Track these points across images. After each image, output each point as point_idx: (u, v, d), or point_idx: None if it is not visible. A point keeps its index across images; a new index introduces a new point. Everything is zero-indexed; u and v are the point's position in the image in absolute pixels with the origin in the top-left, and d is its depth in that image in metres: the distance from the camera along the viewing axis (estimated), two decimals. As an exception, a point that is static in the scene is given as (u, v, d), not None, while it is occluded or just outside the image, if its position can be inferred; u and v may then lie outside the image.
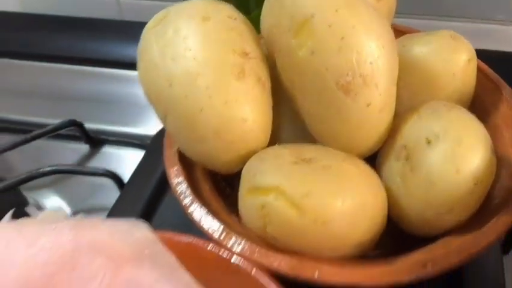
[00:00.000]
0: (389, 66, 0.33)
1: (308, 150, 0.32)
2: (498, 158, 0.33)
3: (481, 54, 0.39)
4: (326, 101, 0.32)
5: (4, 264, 0.28)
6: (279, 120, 0.37)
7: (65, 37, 0.70)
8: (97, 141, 0.58)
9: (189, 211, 0.32)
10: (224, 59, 0.32)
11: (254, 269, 0.26)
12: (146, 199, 0.47)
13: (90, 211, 0.52)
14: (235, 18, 0.34)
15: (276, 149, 0.33)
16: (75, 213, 0.52)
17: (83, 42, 0.69)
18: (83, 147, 0.58)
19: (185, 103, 0.32)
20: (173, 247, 0.29)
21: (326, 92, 0.32)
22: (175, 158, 0.36)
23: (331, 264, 0.28)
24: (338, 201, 0.29)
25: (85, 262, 0.29)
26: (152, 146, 0.52)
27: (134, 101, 0.62)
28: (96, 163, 0.57)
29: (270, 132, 0.34)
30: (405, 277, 0.28)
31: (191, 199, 0.33)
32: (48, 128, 0.56)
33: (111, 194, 0.51)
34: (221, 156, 0.33)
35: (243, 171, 0.32)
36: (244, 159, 0.33)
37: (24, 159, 0.56)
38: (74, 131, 0.57)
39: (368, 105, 0.32)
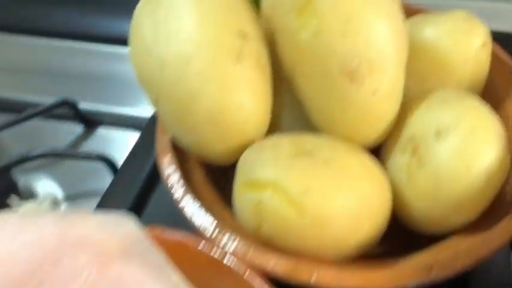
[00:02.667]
0: (399, 50, 0.30)
1: (309, 141, 0.30)
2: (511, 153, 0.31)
3: (498, 37, 0.36)
4: (329, 87, 0.30)
5: (-15, 258, 0.26)
6: (279, 107, 0.34)
7: (57, 11, 0.68)
8: (91, 121, 0.56)
9: (181, 205, 0.30)
10: (221, 40, 0.30)
11: (247, 271, 0.25)
12: (139, 186, 0.45)
13: (82, 196, 0.50)
14: (233, -4, 0.32)
15: (275, 138, 0.31)
16: (67, 197, 0.50)
17: (77, 16, 0.66)
18: (77, 128, 0.56)
19: (178, 89, 0.30)
20: (163, 244, 0.27)
21: (329, 78, 0.30)
22: (168, 146, 0.34)
23: (329, 267, 0.26)
24: (340, 199, 0.27)
25: (69, 259, 0.27)
26: (148, 129, 0.50)
27: (131, 81, 0.59)
28: (90, 145, 0.55)
29: (269, 120, 0.32)
30: (409, 282, 0.26)
31: (183, 191, 0.31)
32: (40, 108, 0.54)
33: (104, 179, 0.49)
34: (215, 147, 0.31)
35: (239, 163, 0.30)
36: (241, 150, 0.31)
37: (15, 140, 0.54)
38: (67, 110, 0.55)
39: (374, 92, 0.30)
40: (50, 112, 0.55)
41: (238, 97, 0.30)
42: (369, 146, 0.32)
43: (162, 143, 0.34)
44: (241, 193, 0.29)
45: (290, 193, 0.27)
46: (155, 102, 0.31)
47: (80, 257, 0.27)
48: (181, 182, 0.31)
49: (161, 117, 0.32)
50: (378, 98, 0.30)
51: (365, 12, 0.29)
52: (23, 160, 0.49)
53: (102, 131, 0.56)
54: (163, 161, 0.33)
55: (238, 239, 0.28)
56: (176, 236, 0.28)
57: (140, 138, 0.50)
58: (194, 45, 0.29)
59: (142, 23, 0.32)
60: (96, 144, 0.54)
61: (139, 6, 0.33)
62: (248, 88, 0.30)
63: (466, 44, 0.34)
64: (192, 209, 0.30)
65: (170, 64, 0.30)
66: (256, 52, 0.31)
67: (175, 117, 0.31)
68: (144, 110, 0.55)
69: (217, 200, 0.32)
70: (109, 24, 0.65)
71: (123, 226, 0.27)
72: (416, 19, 0.37)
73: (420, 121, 0.31)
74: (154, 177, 0.45)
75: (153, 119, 0.50)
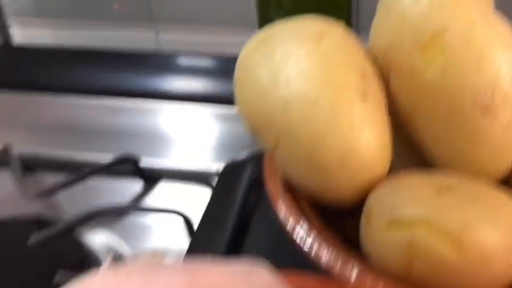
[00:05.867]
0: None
1: (441, 178, 0.29)
2: None
3: None
4: (458, 123, 0.29)
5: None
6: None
7: (112, 71, 0.67)
8: (153, 178, 0.54)
9: (319, 256, 0.28)
10: (346, 79, 0.29)
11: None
12: (224, 243, 0.43)
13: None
14: (348, 36, 0.32)
15: (405, 176, 0.29)
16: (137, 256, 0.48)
17: (130, 75, 0.66)
18: (138, 185, 0.54)
19: (305, 129, 0.29)
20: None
21: (459, 114, 0.29)
22: (282, 193, 0.32)
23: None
24: (501, 235, 0.25)
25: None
26: (220, 184, 0.48)
27: (186, 135, 0.59)
28: (153, 203, 0.53)
29: (391, 158, 0.31)
30: None
31: (317, 242, 0.29)
32: (101, 165, 0.53)
33: (176, 235, 0.47)
34: (343, 187, 0.29)
35: (372, 203, 0.29)
36: (367, 190, 0.30)
37: (75, 199, 0.52)
38: (129, 167, 0.54)
39: (508, 124, 0.29)
40: (111, 169, 0.53)
41: (366, 135, 0.29)
42: (498, 179, 0.31)
43: (275, 189, 0.32)
44: (385, 234, 0.27)
45: (448, 231, 0.25)
46: (274, 145, 0.30)
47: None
48: (313, 232, 0.29)
49: (279, 161, 0.31)
50: (511, 130, 0.29)
51: (496, 45, 0.28)
52: (88, 218, 0.47)
53: (165, 188, 0.54)
54: (284, 209, 0.31)
55: (382, 282, 0.26)
56: (316, 279, 0.26)
57: (214, 193, 0.48)
58: (320, 84, 0.29)
59: (255, 66, 0.31)
60: (159, 202, 0.52)
61: (247, 49, 0.32)
62: (373, 126, 0.30)
63: None
64: (330, 259, 0.28)
65: (295, 105, 0.29)
66: (376, 91, 0.31)
67: (299, 159, 0.29)
68: (206, 166, 0.54)
69: (340, 245, 0.30)
70: (164, 83, 0.65)
71: (255, 274, 0.25)
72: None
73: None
74: (239, 234, 0.43)
75: (223, 176, 0.49)
